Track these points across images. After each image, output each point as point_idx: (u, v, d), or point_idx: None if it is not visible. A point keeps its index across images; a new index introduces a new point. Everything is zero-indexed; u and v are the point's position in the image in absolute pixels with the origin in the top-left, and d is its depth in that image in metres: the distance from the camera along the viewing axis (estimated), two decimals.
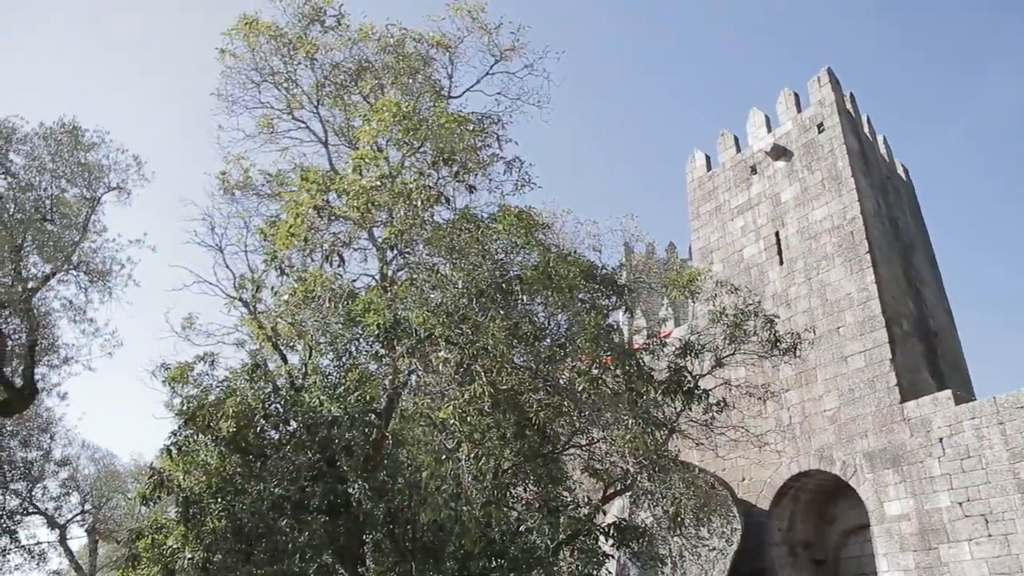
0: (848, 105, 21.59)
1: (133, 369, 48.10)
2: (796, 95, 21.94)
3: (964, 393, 17.88)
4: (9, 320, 16.26)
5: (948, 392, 16.19)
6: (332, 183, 11.34)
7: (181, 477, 12.06)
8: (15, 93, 63.83)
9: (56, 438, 24.51)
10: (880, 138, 23.40)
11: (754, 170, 22.20)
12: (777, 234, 20.87)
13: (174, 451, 12.23)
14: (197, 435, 12.31)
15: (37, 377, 16.95)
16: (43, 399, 20.29)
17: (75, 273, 16.35)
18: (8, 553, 22.74)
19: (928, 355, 19.10)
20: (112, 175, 16.48)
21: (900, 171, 23.98)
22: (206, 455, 12.22)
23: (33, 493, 24.45)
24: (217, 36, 14.67)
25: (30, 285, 15.74)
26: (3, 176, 15.24)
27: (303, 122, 15.16)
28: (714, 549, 16.64)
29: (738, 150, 23.10)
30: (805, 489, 18.72)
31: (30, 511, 24.49)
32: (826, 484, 18.32)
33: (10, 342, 16.23)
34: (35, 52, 68.72)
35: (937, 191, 65.87)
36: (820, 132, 20.68)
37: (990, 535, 14.43)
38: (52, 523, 25.74)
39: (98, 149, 16.20)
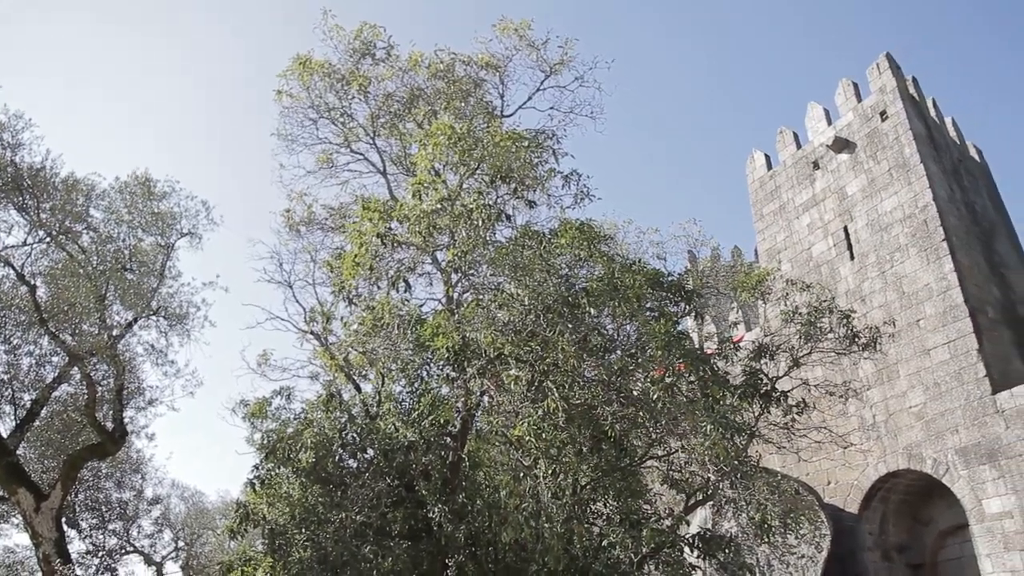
0: (911, 89, 20.88)
1: (214, 407, 49.65)
2: (855, 85, 21.34)
3: None
4: (97, 367, 17.02)
5: None
6: (393, 211, 11.53)
7: (266, 510, 12.33)
8: (89, 146, 67.23)
9: (147, 478, 25.47)
10: (948, 120, 22.55)
11: (816, 165, 21.66)
12: (846, 229, 20.26)
13: (257, 484, 12.53)
14: (278, 468, 12.60)
15: (126, 420, 17.65)
16: (132, 441, 21.10)
17: (155, 318, 17.05)
18: None
19: (1018, 343, 18.16)
20: (183, 222, 17.19)
21: (973, 153, 23.02)
22: (288, 487, 12.48)
23: (130, 532, 25.39)
24: (273, 78, 15.22)
25: (114, 332, 16.48)
26: (85, 231, 16.04)
27: (361, 154, 15.53)
28: (803, 556, 16.10)
29: (798, 146, 22.58)
30: (895, 490, 17.95)
31: (128, 550, 25.43)
32: (918, 484, 17.54)
33: (99, 388, 16.97)
34: (100, 101, 72.30)
35: (1016, 170, 63.00)
36: (883, 120, 20.05)
37: None
38: (148, 560, 26.66)
39: (169, 198, 16.94)
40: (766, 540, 12.43)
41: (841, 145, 20.89)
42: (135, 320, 16.83)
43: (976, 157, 23.09)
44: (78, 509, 22.08)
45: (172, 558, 28.60)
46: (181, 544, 29.03)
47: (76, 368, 16.48)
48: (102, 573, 23.05)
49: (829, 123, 21.73)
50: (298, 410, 13.48)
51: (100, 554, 23.22)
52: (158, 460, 48.75)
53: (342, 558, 11.60)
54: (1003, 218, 22.20)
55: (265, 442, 12.87)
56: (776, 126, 23.61)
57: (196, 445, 67.14)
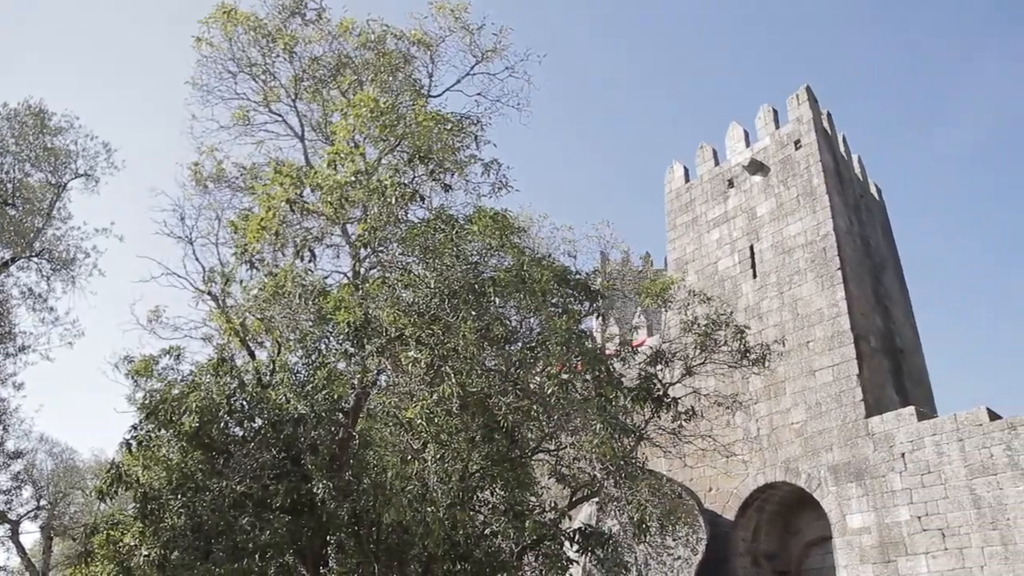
0: (825, 123, 21.85)
1: (96, 362, 47.26)
2: (775, 111, 22.16)
3: (927, 410, 18.14)
4: None
5: (911, 408, 16.41)
6: (306, 177, 11.20)
7: (140, 472, 11.79)
8: None
9: (10, 429, 23.76)
10: (855, 157, 23.71)
11: (731, 184, 22.37)
12: (752, 248, 21.04)
13: (134, 445, 11.95)
14: (159, 430, 12.05)
15: None
16: None
17: (37, 260, 15.98)
18: None
19: (894, 371, 19.35)
20: (80, 161, 16.15)
21: (873, 190, 24.32)
22: (168, 450, 11.97)
23: None
24: (194, 24, 14.51)
25: None
26: None
27: (280, 116, 15.00)
28: (679, 558, 16.65)
29: (716, 163, 23.26)
30: (771, 500, 18.84)
31: None
32: (791, 496, 18.45)
33: None
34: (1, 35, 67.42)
35: (909, 210, 67.06)
36: (797, 149, 20.90)
37: (946, 548, 14.64)
38: (2, 518, 25.02)
39: (66, 134, 15.87)
40: (644, 540, 12.79)
41: (756, 167, 21.65)
42: (13, 260, 15.72)
43: (876, 195, 24.41)
44: None
45: (31, 517, 26.97)
46: (44, 503, 27.40)
47: None
48: None
49: (747, 144, 22.49)
50: (187, 372, 12.94)
51: None
52: (25, 411, 46.00)
53: (218, 527, 11.23)
54: (892, 254, 23.59)
55: (147, 402, 12.28)
56: (698, 140, 24.28)
57: (72, 399, 63.69)
